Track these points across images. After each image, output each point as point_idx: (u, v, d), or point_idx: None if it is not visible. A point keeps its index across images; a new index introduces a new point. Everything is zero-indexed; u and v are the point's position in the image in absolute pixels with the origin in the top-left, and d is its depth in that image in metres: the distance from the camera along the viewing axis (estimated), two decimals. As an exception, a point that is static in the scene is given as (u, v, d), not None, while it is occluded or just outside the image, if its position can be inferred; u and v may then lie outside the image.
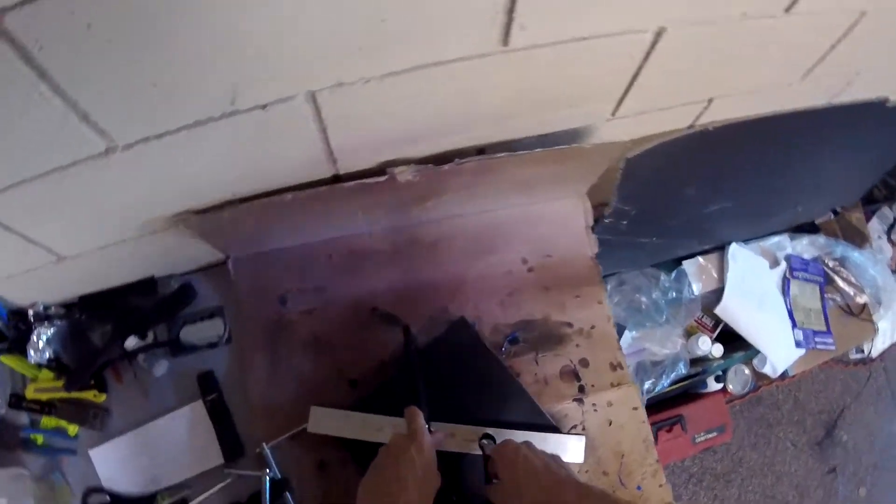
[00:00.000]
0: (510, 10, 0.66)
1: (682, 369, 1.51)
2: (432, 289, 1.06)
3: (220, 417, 1.04)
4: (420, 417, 0.85)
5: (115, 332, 1.06)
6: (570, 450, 0.95)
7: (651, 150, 1.03)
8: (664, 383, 1.52)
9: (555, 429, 0.97)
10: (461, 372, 0.98)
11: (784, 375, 1.56)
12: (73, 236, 0.90)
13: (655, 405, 1.60)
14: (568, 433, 0.98)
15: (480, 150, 0.98)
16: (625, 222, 1.19)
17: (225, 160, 0.80)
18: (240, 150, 0.78)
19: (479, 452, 0.91)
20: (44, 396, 1.04)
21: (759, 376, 1.59)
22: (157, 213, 0.90)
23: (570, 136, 1.02)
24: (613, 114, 0.97)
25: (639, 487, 0.98)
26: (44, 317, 1.06)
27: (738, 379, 1.59)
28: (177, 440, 1.04)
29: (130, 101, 0.63)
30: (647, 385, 1.52)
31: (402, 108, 0.79)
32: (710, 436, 1.62)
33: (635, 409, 1.02)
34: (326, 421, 0.97)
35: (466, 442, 0.94)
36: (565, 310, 1.06)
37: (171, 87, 0.62)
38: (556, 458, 0.81)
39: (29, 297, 1.05)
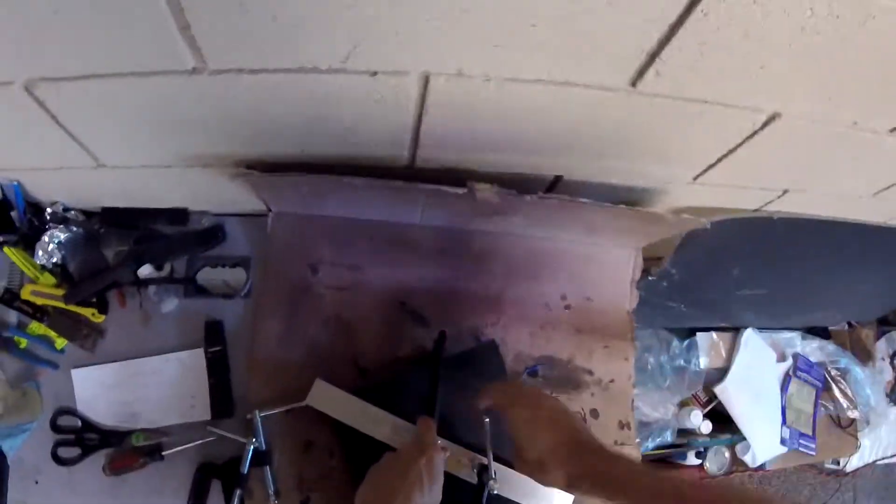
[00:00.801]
0: (653, 55, 0.61)
1: (669, 437, 1.47)
2: (467, 299, 1.00)
3: (218, 372, 0.96)
4: (434, 432, 0.80)
5: (130, 254, 0.99)
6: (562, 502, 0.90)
7: (716, 223, 0.98)
8: (648, 446, 1.48)
9: None
10: (476, 394, 0.92)
11: (761, 467, 1.53)
12: (122, 148, 0.82)
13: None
14: None
15: (557, 178, 0.93)
16: (665, 284, 1.14)
17: (309, 115, 0.73)
18: (330, 109, 0.72)
19: (471, 480, 0.86)
20: (39, 300, 0.95)
21: (736, 461, 1.56)
22: (219, 150, 0.82)
23: (644, 193, 0.97)
24: (695, 179, 0.93)
25: None
26: (61, 218, 0.98)
27: (717, 459, 1.56)
28: (167, 383, 0.96)
29: (240, 26, 0.56)
30: (627, 442, 1.48)
31: (507, 118, 0.73)
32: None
33: None
34: (327, 398, 0.90)
35: (460, 465, 0.88)
36: (591, 357, 1.01)
37: (291, 25, 0.56)
38: None
39: (52, 195, 0.97)
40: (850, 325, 1.65)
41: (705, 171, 0.89)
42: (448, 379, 0.91)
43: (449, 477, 0.85)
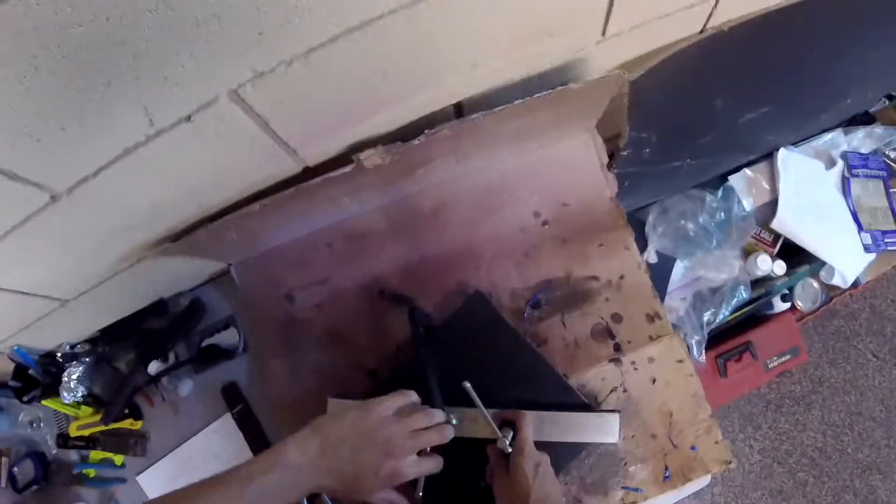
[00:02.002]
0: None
1: (744, 293, 1.30)
2: (441, 261, 0.91)
3: (249, 427, 0.96)
4: (396, 399, 0.72)
5: (137, 358, 1.00)
6: (603, 429, 0.79)
7: (659, 66, 0.83)
8: (725, 312, 1.32)
9: (586, 406, 0.81)
10: (480, 351, 0.83)
11: (856, 284, 1.32)
12: (62, 282, 0.83)
13: (720, 335, 1.40)
14: (601, 409, 0.82)
15: (458, 108, 0.82)
16: (647, 150, 0.99)
17: (174, 180, 0.69)
18: (185, 166, 0.67)
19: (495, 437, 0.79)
20: (87, 432, 1.00)
21: (829, 288, 1.36)
22: (133, 244, 0.80)
23: (560, 73, 0.83)
24: (603, 33, 0.78)
25: (693, 448, 0.82)
26: (71, 356, 1.01)
27: (807, 294, 1.37)
28: (213, 455, 0.97)
29: (47, 149, 0.53)
30: (706, 316, 1.32)
31: (345, 80, 0.64)
32: (784, 359, 1.41)
33: (680, 361, 0.85)
34: None
35: (479, 427, 0.81)
36: (589, 262, 0.89)
37: (80, 126, 0.52)
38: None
39: (53, 340, 1.00)
40: (890, 97, 1.38)
41: (606, 20, 0.75)
42: (448, 345, 0.84)
43: (482, 443, 0.78)
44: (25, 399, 0.99)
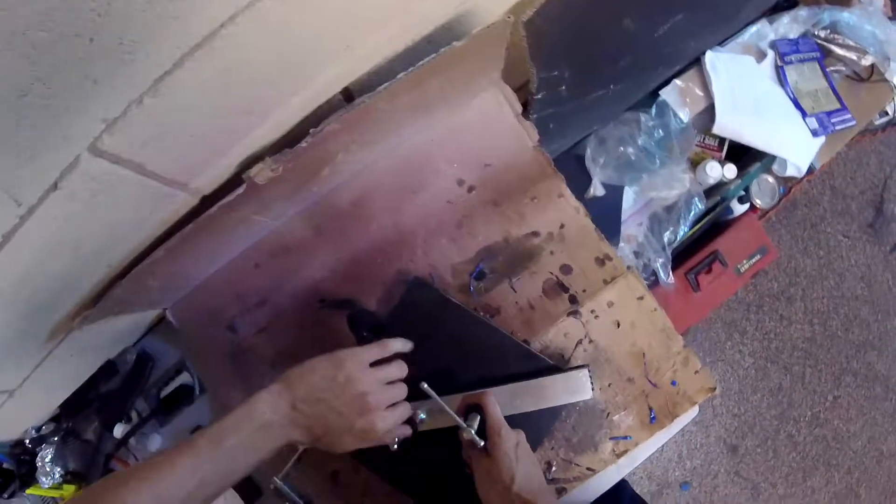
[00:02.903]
0: None
1: (699, 205, 1.22)
2: (374, 254, 0.82)
3: None
4: (372, 351, 0.66)
5: (101, 426, 0.93)
6: (574, 388, 0.72)
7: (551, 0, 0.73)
8: (685, 227, 1.24)
9: (554, 368, 0.73)
10: (434, 337, 0.75)
11: (811, 170, 1.24)
12: (8, 372, 0.76)
13: (685, 251, 1.33)
14: (569, 367, 0.75)
15: (348, 96, 0.72)
16: (563, 87, 0.89)
17: (68, 250, 0.61)
18: (74, 233, 0.59)
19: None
20: None
21: (785, 181, 1.28)
22: (54, 321, 0.72)
23: (448, 32, 0.74)
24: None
25: (673, 382, 0.75)
26: (39, 439, 0.94)
27: (764, 192, 1.29)
28: None
29: None
30: (666, 236, 1.25)
31: (207, 100, 0.54)
32: (754, 260, 1.33)
33: (641, 298, 0.77)
34: None
35: (445, 417, 0.74)
36: (525, 219, 0.81)
37: None
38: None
39: (16, 429, 0.93)
40: (809, -27, 1.28)
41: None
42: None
43: (451, 431, 0.71)
44: (6, 495, 0.92)
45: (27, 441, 0.93)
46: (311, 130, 0.62)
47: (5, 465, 0.93)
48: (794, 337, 1.54)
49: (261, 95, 0.61)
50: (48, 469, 0.91)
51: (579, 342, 0.77)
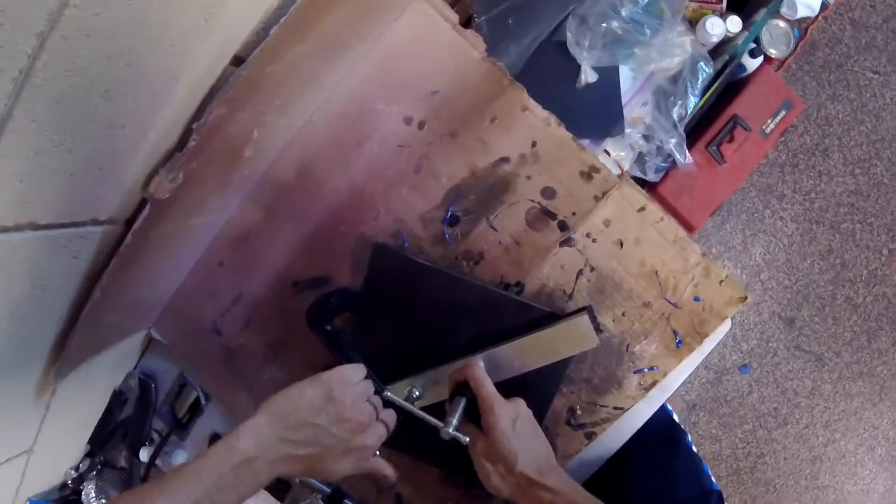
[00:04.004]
0: None
1: (706, 68, 1.01)
2: (334, 222, 0.69)
3: None
4: (355, 371, 0.55)
5: (129, 453, 0.88)
6: (576, 337, 0.58)
7: None
8: (694, 97, 1.04)
9: (550, 316, 0.60)
10: (413, 305, 0.63)
11: (825, 5, 1.00)
12: (9, 441, 0.70)
13: (700, 123, 1.12)
14: (569, 311, 0.61)
15: (236, 58, 0.57)
16: (510, -25, 0.71)
17: (3, 320, 0.52)
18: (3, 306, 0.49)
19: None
20: None
21: (797, 23, 1.04)
22: (28, 385, 0.65)
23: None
24: None
25: (696, 298, 0.60)
26: (79, 478, 0.90)
27: (777, 39, 1.05)
28: None
29: None
30: (676, 111, 1.04)
31: (63, 127, 0.41)
32: (779, 117, 1.11)
33: (642, 209, 0.61)
34: None
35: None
36: (489, 145, 0.65)
37: None
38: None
39: (53, 477, 0.89)
40: None
41: None
42: (377, 313, 0.65)
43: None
44: None
45: (69, 482, 0.90)
46: (193, 125, 0.48)
47: (53, 509, 0.91)
48: (837, 192, 1.32)
49: (126, 106, 0.47)
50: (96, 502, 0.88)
51: (580, 273, 0.62)
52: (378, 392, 0.55)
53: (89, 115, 0.43)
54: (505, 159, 0.64)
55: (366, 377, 0.54)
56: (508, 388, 0.59)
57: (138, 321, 0.77)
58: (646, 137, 1.07)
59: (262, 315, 0.75)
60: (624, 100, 1.02)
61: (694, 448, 0.72)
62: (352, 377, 0.53)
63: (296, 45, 0.51)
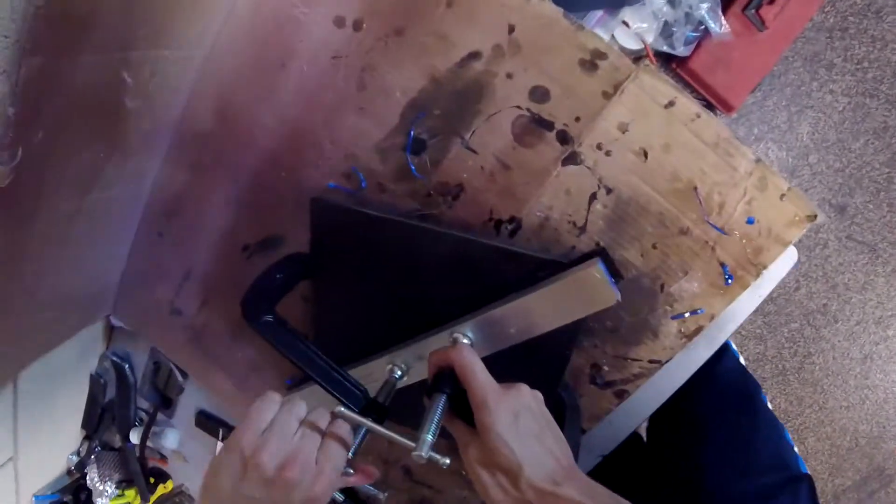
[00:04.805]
0: None
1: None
2: (274, 168, 0.52)
3: None
4: (261, 415, 0.38)
5: (120, 435, 0.80)
6: (589, 294, 0.42)
7: None
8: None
9: (551, 264, 0.43)
10: (372, 270, 0.48)
11: None
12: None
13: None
14: (573, 260, 0.44)
15: None
16: None
17: None
18: None
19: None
20: None
21: None
22: None
23: None
24: None
25: (749, 220, 0.42)
26: (80, 464, 0.84)
27: None
28: None
29: None
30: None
31: None
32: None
33: (670, 104, 0.41)
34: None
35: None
36: (450, 39, 0.45)
37: None
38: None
39: (56, 466, 0.84)
40: None
41: None
42: (337, 281, 0.50)
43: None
44: None
45: (72, 468, 0.83)
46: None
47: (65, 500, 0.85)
48: (893, 60, 1.04)
49: None
50: (100, 488, 0.82)
51: (592, 197, 0.45)
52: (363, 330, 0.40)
53: None
54: (474, 55, 0.45)
55: (296, 385, 0.39)
56: (505, 361, 0.44)
57: (85, 313, 0.64)
58: (671, 3, 0.84)
59: (216, 291, 0.61)
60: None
61: (769, 405, 0.58)
62: (259, 422, 0.37)
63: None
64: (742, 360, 0.68)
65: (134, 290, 0.65)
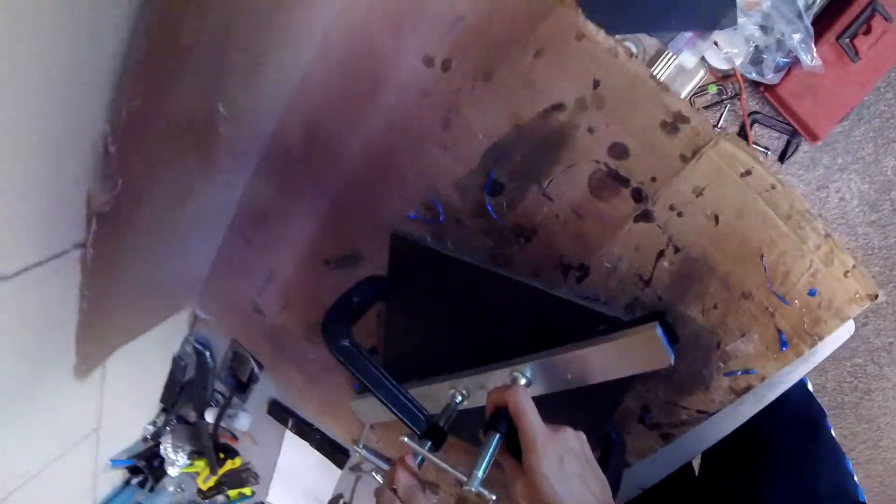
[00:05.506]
0: None
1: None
2: (355, 193, 0.57)
3: (311, 435, 0.80)
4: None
5: (196, 412, 0.89)
6: (645, 354, 0.44)
7: None
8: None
9: (611, 321, 0.46)
10: (445, 303, 0.52)
11: None
12: (69, 434, 0.74)
13: (826, 12, 0.85)
14: (633, 320, 0.46)
15: None
16: None
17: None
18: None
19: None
20: (212, 482, 0.96)
21: None
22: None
23: None
24: None
25: (811, 292, 0.43)
26: (156, 433, 0.94)
27: None
28: (302, 466, 0.85)
29: None
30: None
31: None
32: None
33: (747, 173, 0.42)
34: (370, 411, 0.66)
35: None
36: (536, 87, 0.47)
37: None
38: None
39: (133, 433, 0.94)
40: None
41: None
42: (410, 308, 0.54)
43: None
44: (148, 488, 0.95)
45: (148, 436, 0.93)
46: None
47: (139, 465, 0.95)
48: None
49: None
50: (172, 457, 0.92)
51: (660, 254, 0.47)
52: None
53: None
54: (558, 106, 0.47)
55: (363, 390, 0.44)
56: (560, 397, 0.48)
57: (172, 304, 0.72)
58: (762, 28, 0.83)
59: (299, 296, 0.67)
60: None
61: (833, 432, 0.59)
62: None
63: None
64: (810, 387, 0.68)
65: (219, 288, 0.72)
